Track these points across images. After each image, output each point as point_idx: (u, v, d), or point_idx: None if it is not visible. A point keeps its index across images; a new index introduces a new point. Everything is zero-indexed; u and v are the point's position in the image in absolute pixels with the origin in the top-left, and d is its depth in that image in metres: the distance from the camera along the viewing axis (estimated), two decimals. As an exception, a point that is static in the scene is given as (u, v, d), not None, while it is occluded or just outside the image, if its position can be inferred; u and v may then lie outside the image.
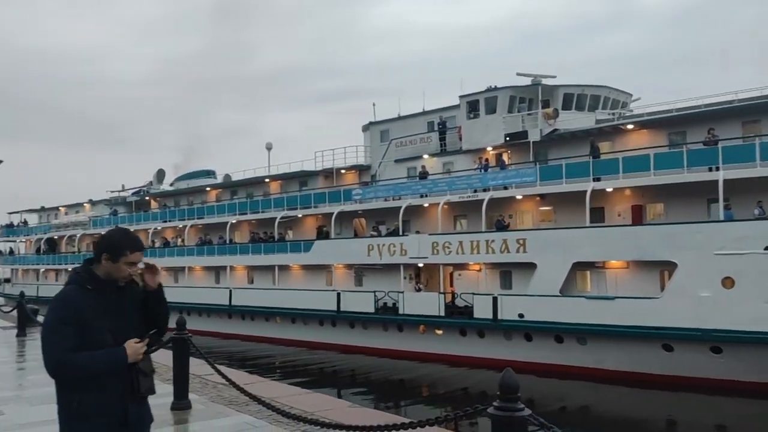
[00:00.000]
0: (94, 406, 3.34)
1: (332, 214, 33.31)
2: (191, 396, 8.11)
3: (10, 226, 65.26)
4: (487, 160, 30.04)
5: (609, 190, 24.91)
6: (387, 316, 28.71)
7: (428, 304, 27.41)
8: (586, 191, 24.14)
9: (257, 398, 6.41)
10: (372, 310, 29.12)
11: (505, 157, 30.01)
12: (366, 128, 38.48)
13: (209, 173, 50.45)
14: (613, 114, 29.67)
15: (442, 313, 26.79)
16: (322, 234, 34.84)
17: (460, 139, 32.04)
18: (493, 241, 26.27)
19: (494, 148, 30.43)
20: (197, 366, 9.08)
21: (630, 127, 26.86)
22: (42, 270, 56.25)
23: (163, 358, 11.14)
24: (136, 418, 3.52)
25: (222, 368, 8.01)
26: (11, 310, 19.20)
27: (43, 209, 64.85)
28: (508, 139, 29.44)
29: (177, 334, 7.74)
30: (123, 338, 3.38)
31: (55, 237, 56.87)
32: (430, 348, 27.18)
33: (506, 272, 27.01)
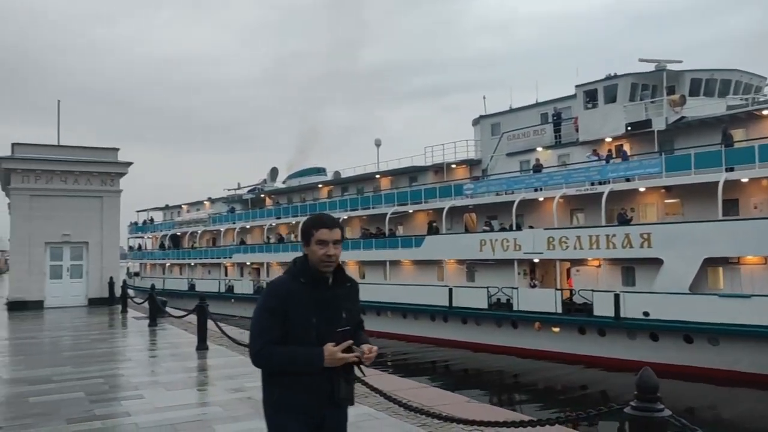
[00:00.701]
0: (292, 404, 3.26)
1: (443, 209, 33.31)
2: None
3: (141, 223, 70.22)
4: (610, 151, 28.94)
5: (744, 180, 23.23)
6: (501, 313, 28.39)
7: (544, 300, 26.81)
8: (718, 182, 22.66)
9: (378, 390, 6.36)
10: (485, 306, 28.89)
11: (626, 147, 28.76)
12: (476, 122, 38.18)
13: (319, 170, 51.95)
14: (746, 99, 27.62)
15: (560, 310, 26.13)
16: (433, 229, 34.93)
17: (577, 130, 31.15)
18: (614, 235, 25.24)
19: (614, 138, 29.26)
20: None
21: (766, 112, 24.95)
22: (167, 264, 60.10)
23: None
24: (334, 424, 3.37)
25: None
26: (143, 302, 20.70)
27: (167, 207, 69.29)
28: (629, 128, 28.22)
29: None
30: (327, 337, 3.23)
31: (178, 233, 60.60)
32: (546, 346, 26.59)
33: (629, 268, 25.87)
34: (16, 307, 24.06)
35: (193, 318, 13.92)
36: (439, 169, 38.31)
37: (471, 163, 37.61)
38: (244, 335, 14.53)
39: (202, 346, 12.96)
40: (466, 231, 34.16)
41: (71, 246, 25.77)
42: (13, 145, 25.94)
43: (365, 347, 3.31)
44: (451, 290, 30.58)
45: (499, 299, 28.74)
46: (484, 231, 31.41)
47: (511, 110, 36.01)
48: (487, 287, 29.10)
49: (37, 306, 24.39)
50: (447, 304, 30.55)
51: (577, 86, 30.79)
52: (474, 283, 31.34)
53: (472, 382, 24.63)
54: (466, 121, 39.01)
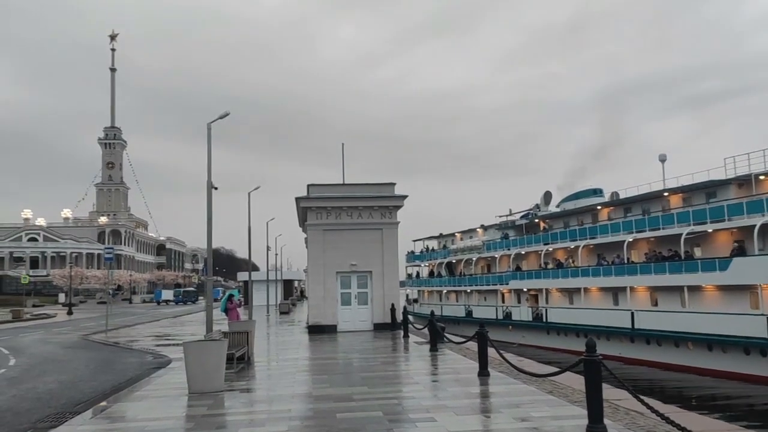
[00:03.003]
0: None
1: (753, 226, 29.28)
2: (605, 421, 7.82)
3: (417, 252, 74.06)
4: None
5: None
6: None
7: None
8: None
9: (685, 429, 5.87)
10: (819, 340, 24.55)
11: None
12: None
13: (596, 191, 49.57)
14: None
15: None
16: (739, 250, 30.86)
17: None
18: None
19: None
20: (604, 390, 8.80)
21: None
22: (444, 291, 62.23)
23: (569, 380, 10.98)
24: None
25: (642, 397, 7.44)
26: (423, 328, 21.38)
27: (441, 236, 72.07)
28: None
29: (588, 356, 7.60)
30: None
31: (453, 261, 62.47)
32: None
33: None
34: (314, 330, 27.13)
35: (471, 344, 13.92)
36: (744, 181, 33.94)
37: (785, 173, 32.72)
38: (523, 362, 14.15)
39: (483, 372, 13.02)
40: (784, 251, 29.55)
41: (358, 275, 28.08)
42: (309, 186, 29.19)
43: None
44: (769, 320, 26.59)
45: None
46: (811, 250, 26.80)
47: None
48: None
49: (332, 329, 27.15)
50: (766, 335, 26.69)
51: None
52: (801, 312, 26.91)
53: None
54: (748, 129, 34.14)
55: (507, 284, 49.98)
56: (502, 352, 12.87)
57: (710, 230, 33.10)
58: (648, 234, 37.19)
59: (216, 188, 19.75)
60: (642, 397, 7.29)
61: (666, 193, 39.07)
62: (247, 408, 10.77)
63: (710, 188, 36.06)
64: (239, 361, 16.11)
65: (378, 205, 28.48)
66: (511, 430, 8.20)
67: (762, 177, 33.23)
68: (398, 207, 28.90)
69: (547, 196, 57.32)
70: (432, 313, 21.39)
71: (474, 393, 11.26)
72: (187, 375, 12.31)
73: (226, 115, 20.04)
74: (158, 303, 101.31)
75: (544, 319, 43.03)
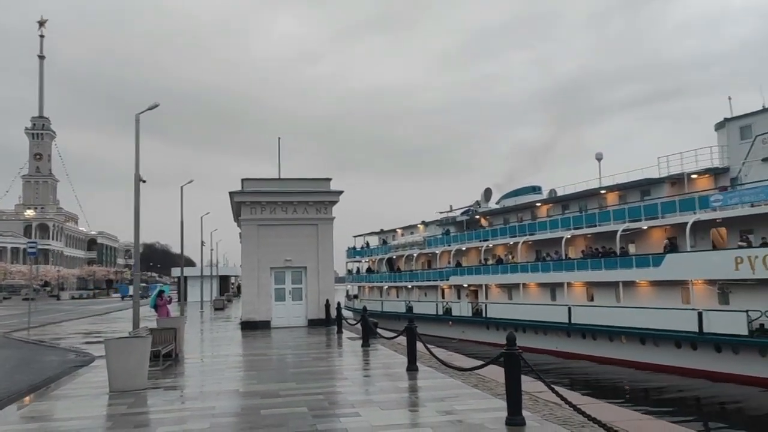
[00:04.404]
0: None
1: (685, 224, 30.54)
2: (523, 413, 8.13)
3: (358, 247, 74.24)
4: None
5: None
6: (767, 340, 25.56)
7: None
8: None
9: (595, 420, 6.21)
10: (744, 332, 26.07)
11: None
12: (720, 126, 35.07)
13: (535, 189, 50.79)
14: None
15: None
16: (671, 247, 32.16)
17: None
18: None
19: None
20: (527, 383, 9.28)
21: None
22: (385, 287, 62.62)
23: (494, 373, 11.32)
24: None
25: (556, 387, 7.79)
26: (356, 323, 21.64)
27: (382, 231, 72.46)
28: None
29: (508, 350, 7.87)
30: None
31: (394, 257, 62.91)
32: None
33: None
34: (248, 326, 27.00)
35: (403, 339, 14.18)
36: (677, 180, 35.43)
37: (716, 172, 34.39)
38: (452, 357, 14.46)
39: (412, 367, 13.32)
40: (714, 247, 30.95)
41: (292, 270, 28.07)
42: (243, 180, 28.97)
43: None
44: (701, 314, 27.93)
45: (762, 324, 25.77)
46: (740, 247, 28.18)
47: (766, 109, 32.35)
48: (747, 311, 26.06)
49: (265, 326, 27.10)
50: (696, 329, 28.01)
51: None
52: (728, 306, 28.31)
53: (723, 420, 22.06)
54: (678, 129, 35.90)
55: (447, 280, 50.66)
56: (430, 347, 13.12)
57: (645, 227, 34.37)
58: (585, 231, 38.33)
59: (144, 181, 19.44)
60: (557, 388, 7.59)
61: (603, 191, 40.37)
62: (170, 406, 10.65)
63: (645, 186, 37.45)
64: (166, 358, 15.91)
65: (313, 200, 28.50)
66: (434, 424, 8.37)
67: (694, 176, 34.75)
68: (334, 202, 28.97)
69: (488, 193, 58.35)
70: (364, 309, 21.62)
71: (401, 387, 11.45)
72: (109, 373, 12.10)
73: (156, 106, 19.77)
74: (123, 298, 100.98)
75: (484, 315, 43.85)
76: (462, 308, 46.81)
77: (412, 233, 64.53)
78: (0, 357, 21.61)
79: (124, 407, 10.38)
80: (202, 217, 49.91)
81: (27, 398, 12.12)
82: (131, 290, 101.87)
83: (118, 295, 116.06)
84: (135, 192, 19.03)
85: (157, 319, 20.14)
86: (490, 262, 46.93)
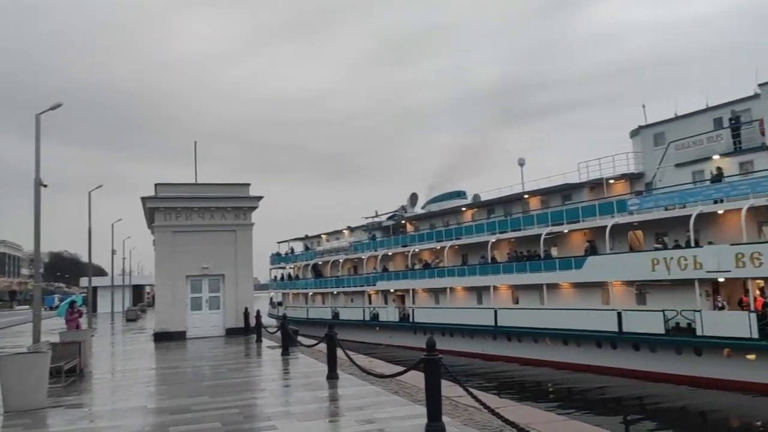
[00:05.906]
0: None
1: (605, 227, 31.63)
2: (443, 418, 8.05)
3: (282, 254, 73.37)
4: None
5: None
6: (683, 338, 26.64)
7: (736, 324, 24.61)
8: None
9: (512, 423, 6.30)
10: (661, 330, 27.18)
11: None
12: (635, 133, 36.62)
13: (460, 194, 51.52)
14: None
15: (755, 335, 23.84)
16: (591, 249, 33.27)
17: (763, 133, 29.27)
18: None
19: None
20: (448, 387, 9.21)
21: None
22: (310, 293, 62.15)
23: (415, 379, 11.31)
24: None
25: (474, 391, 7.80)
26: (275, 331, 21.39)
27: (306, 237, 71.95)
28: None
29: (428, 355, 7.80)
30: None
31: (320, 262, 62.52)
32: (739, 375, 24.59)
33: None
34: (161, 337, 26.09)
35: (324, 347, 14.01)
36: (595, 185, 36.73)
37: (632, 177, 35.86)
38: (373, 363, 14.38)
39: (332, 375, 13.11)
40: (631, 250, 32.21)
41: (209, 278, 27.39)
42: (156, 185, 28.06)
43: None
44: (620, 314, 28.97)
45: (678, 323, 26.82)
46: (656, 249, 29.40)
47: (677, 117, 34.08)
48: (663, 310, 27.18)
49: (180, 336, 26.27)
50: (616, 329, 29.08)
51: (760, 85, 29.16)
52: (646, 306, 29.50)
53: (642, 416, 22.97)
54: (589, 138, 37.49)
55: (374, 285, 50.71)
56: (350, 354, 12.98)
57: (566, 231, 35.39)
58: (510, 234, 39.15)
59: (45, 185, 18.58)
60: (475, 392, 7.59)
61: (526, 196, 41.36)
62: (71, 426, 10.09)
63: (566, 191, 38.60)
64: (69, 374, 15.17)
65: (231, 206, 27.91)
66: (354, 434, 8.18)
67: (612, 181, 36.13)
68: (253, 208, 28.47)
69: (413, 198, 58.82)
70: (284, 316, 21.35)
71: (321, 397, 11.25)
72: (2, 392, 11.41)
73: (58, 106, 18.94)
74: (51, 308, 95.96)
75: (411, 320, 44.10)
76: (389, 313, 46.94)
77: (337, 239, 64.35)
78: None
79: (20, 429, 9.80)
80: (113, 224, 48.19)
81: None
82: (57, 300, 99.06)
83: (24, 307, 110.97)
84: (35, 197, 18.14)
85: (60, 332, 19.23)
86: (416, 266, 47.27)
